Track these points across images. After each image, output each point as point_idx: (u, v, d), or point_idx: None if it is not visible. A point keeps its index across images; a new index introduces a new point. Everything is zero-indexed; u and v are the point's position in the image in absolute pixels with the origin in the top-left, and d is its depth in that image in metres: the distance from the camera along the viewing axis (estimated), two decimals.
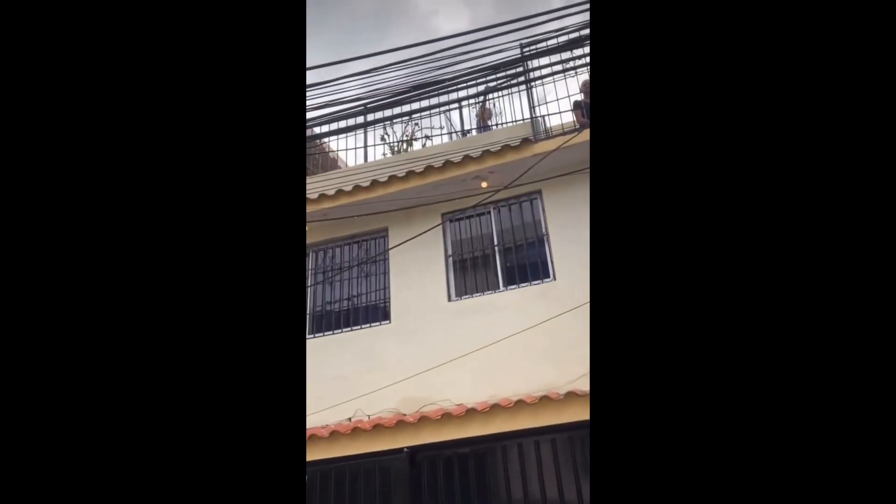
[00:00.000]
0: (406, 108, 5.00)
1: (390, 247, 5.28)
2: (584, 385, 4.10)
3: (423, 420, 4.12)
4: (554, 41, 4.80)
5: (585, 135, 4.81)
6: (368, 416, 4.55)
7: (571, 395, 3.88)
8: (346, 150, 5.76)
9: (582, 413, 3.82)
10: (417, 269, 5.21)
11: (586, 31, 4.31)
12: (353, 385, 4.72)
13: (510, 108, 5.44)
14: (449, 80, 4.25)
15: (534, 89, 5.17)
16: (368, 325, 5.26)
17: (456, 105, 5.38)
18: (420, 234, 4.91)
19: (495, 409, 4.00)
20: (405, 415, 4.37)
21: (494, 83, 4.72)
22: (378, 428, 4.18)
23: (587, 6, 4.14)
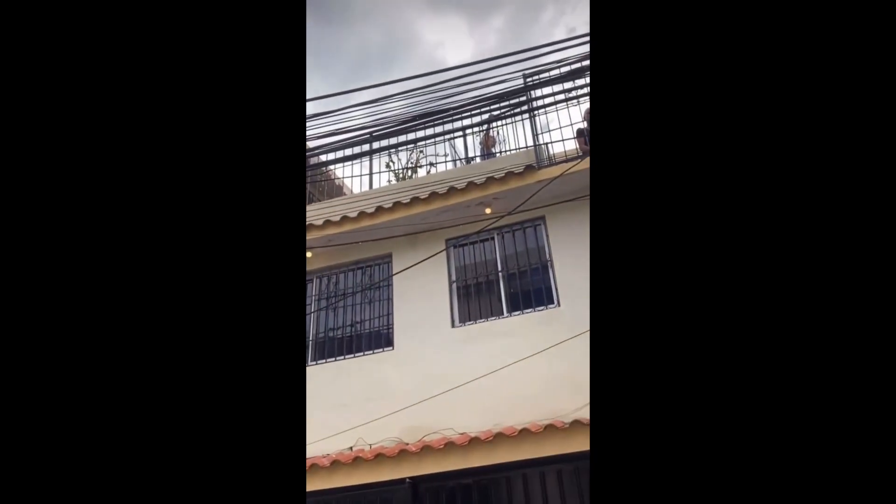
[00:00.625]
0: (411, 136, 5.07)
1: (394, 272, 5.28)
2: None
3: (426, 449, 4.04)
4: (556, 71, 4.89)
5: (588, 162, 4.86)
6: (370, 444, 4.47)
7: (577, 424, 3.81)
8: (352, 176, 5.84)
9: (588, 443, 3.74)
10: (421, 295, 5.19)
11: (588, 62, 4.40)
12: (355, 413, 4.66)
13: (514, 136, 5.51)
14: (453, 108, 4.32)
15: (537, 117, 5.24)
16: (371, 351, 5.22)
17: (460, 133, 5.45)
18: (424, 260, 4.91)
19: (499, 437, 3.92)
20: (407, 444, 4.30)
21: (498, 111, 4.79)
22: (380, 457, 4.10)
23: (588, 38, 4.23)
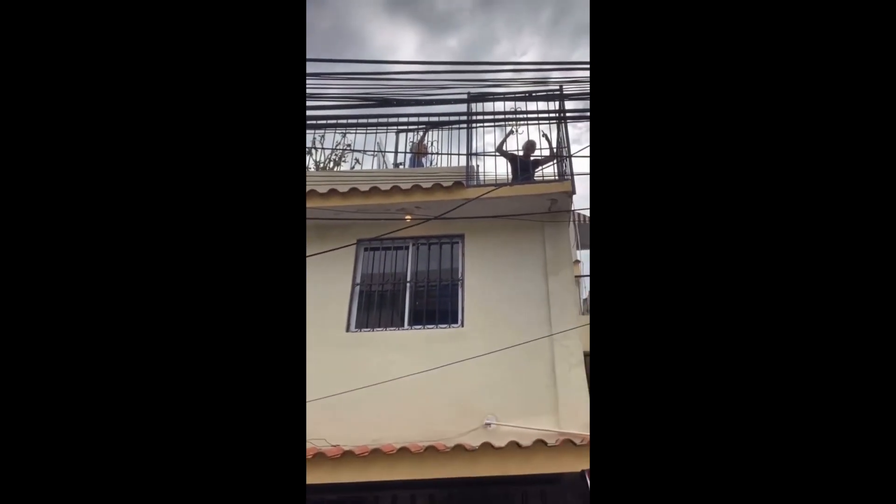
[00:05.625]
0: (341, 121, 4.80)
1: None
2: (475, 439, 3.82)
3: None
4: (500, 94, 4.89)
5: (515, 189, 4.85)
6: None
7: (459, 449, 3.58)
8: None
9: (466, 469, 3.52)
10: (320, 292, 4.81)
11: (531, 89, 4.43)
12: None
13: (448, 149, 5.41)
14: (393, 101, 4.14)
15: (475, 136, 5.19)
16: None
17: (394, 129, 5.26)
18: (330, 251, 4.56)
19: (375, 454, 3.59)
20: None
21: (437, 119, 4.68)
22: None
23: (537, 66, 4.27)
